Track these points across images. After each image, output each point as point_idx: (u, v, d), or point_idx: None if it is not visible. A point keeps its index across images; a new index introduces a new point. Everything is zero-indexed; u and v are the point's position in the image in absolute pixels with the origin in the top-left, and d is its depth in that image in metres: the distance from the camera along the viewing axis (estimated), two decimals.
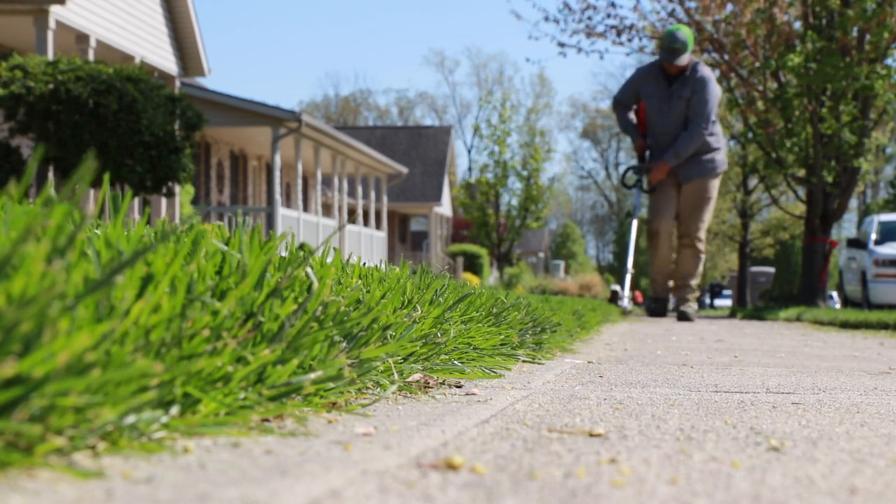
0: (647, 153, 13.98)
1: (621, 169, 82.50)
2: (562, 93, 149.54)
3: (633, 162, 14.41)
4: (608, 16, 23.58)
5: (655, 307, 14.16)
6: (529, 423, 2.16)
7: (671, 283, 14.26)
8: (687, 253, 13.74)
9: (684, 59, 13.12)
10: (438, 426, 2.02)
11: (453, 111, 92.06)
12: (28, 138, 14.32)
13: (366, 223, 33.00)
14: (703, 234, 13.68)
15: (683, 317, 13.56)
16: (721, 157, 13.69)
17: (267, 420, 1.89)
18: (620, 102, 13.92)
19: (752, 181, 39.70)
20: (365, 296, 2.56)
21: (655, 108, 13.50)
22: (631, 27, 23.41)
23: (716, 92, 13.36)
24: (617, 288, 15.74)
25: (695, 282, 13.91)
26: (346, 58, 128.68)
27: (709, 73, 13.35)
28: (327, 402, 2.13)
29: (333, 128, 30.36)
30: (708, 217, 13.72)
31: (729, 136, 31.59)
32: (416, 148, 48.46)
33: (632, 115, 13.93)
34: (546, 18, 24.25)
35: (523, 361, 4.01)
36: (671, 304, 14.56)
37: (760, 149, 23.87)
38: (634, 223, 14.25)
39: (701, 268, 13.92)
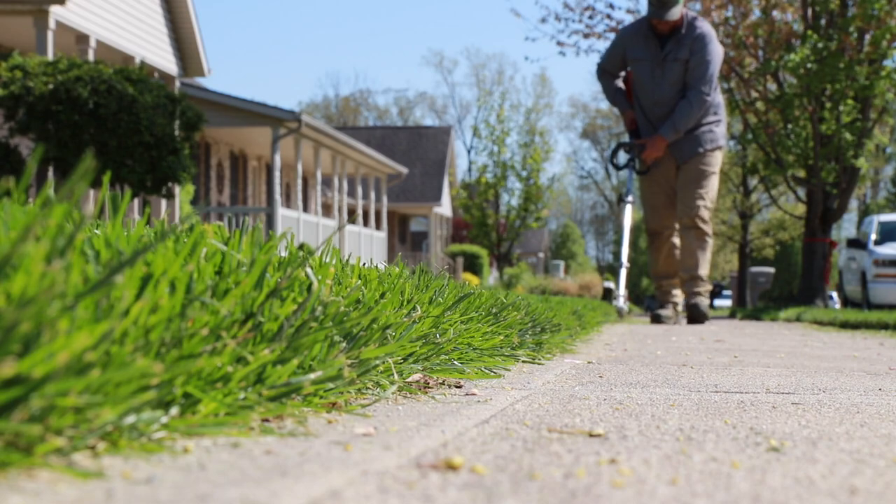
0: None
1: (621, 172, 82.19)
2: (562, 93, 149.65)
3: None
4: (608, 16, 23.62)
5: (659, 314, 11.67)
6: (529, 423, 2.16)
7: (677, 285, 11.94)
8: (690, 237, 11.45)
9: (676, 13, 11.00)
10: (438, 426, 2.02)
11: (453, 111, 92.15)
12: (28, 138, 14.33)
13: (366, 223, 33.00)
14: (705, 213, 11.45)
15: (694, 311, 11.43)
16: (721, 130, 11.56)
17: (267, 420, 1.89)
18: (606, 70, 11.73)
19: (752, 181, 39.73)
20: (364, 296, 2.56)
21: (646, 74, 11.33)
22: None
23: (718, 51, 11.28)
24: (610, 285, 13.62)
25: (703, 271, 11.55)
26: (346, 58, 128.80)
27: (709, 30, 11.27)
28: (327, 403, 2.13)
29: (333, 128, 30.36)
30: (710, 193, 11.47)
31: (729, 136, 31.56)
32: (416, 148, 48.47)
33: (620, 84, 11.79)
34: (543, 20, 24.27)
35: (523, 362, 4.01)
36: (680, 305, 12.28)
37: (760, 149, 23.89)
38: (628, 208, 12.20)
39: (709, 254, 11.61)
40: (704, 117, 11.42)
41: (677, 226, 11.67)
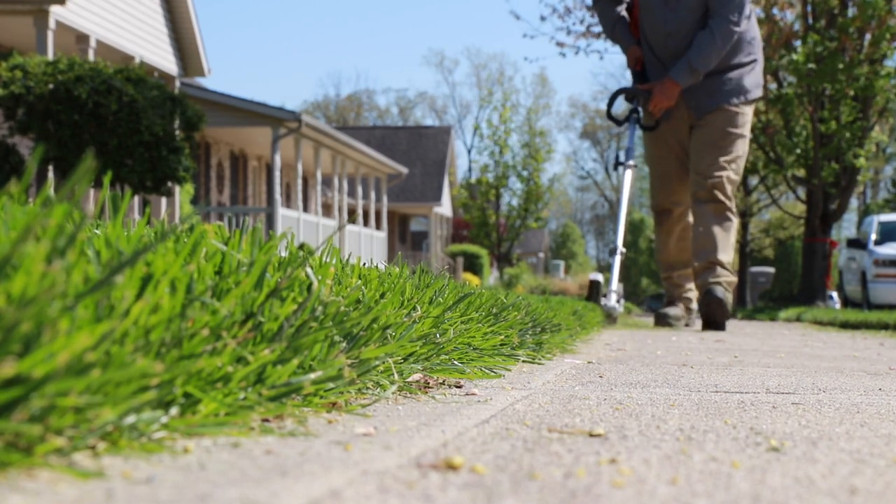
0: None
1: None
2: (562, 93, 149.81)
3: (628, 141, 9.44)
4: None
5: (665, 313, 9.31)
6: (529, 423, 2.16)
7: (691, 276, 9.32)
8: (706, 213, 8.67)
9: None
10: (438, 426, 2.02)
11: (453, 111, 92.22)
12: (28, 138, 14.34)
13: (366, 223, 33.00)
14: (728, 186, 8.71)
15: (711, 301, 8.57)
16: (755, 77, 8.83)
17: (267, 420, 1.89)
18: None
19: (753, 181, 39.75)
20: (365, 296, 2.56)
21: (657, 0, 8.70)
22: None
23: None
24: (598, 277, 10.29)
25: (725, 256, 8.68)
26: (346, 58, 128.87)
27: None
28: (327, 403, 2.13)
29: (334, 128, 30.38)
30: (736, 160, 8.75)
31: None
32: (416, 148, 48.49)
33: (622, 10, 9.09)
34: (543, 18, 24.35)
35: (523, 361, 4.01)
36: (694, 303, 9.50)
37: (760, 149, 23.88)
38: (628, 174, 9.31)
39: (732, 237, 8.76)
40: (734, 55, 8.71)
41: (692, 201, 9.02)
